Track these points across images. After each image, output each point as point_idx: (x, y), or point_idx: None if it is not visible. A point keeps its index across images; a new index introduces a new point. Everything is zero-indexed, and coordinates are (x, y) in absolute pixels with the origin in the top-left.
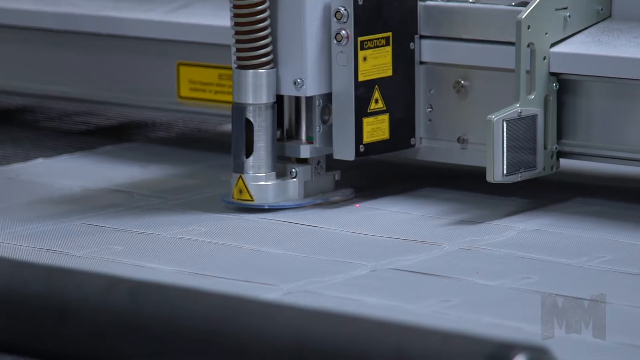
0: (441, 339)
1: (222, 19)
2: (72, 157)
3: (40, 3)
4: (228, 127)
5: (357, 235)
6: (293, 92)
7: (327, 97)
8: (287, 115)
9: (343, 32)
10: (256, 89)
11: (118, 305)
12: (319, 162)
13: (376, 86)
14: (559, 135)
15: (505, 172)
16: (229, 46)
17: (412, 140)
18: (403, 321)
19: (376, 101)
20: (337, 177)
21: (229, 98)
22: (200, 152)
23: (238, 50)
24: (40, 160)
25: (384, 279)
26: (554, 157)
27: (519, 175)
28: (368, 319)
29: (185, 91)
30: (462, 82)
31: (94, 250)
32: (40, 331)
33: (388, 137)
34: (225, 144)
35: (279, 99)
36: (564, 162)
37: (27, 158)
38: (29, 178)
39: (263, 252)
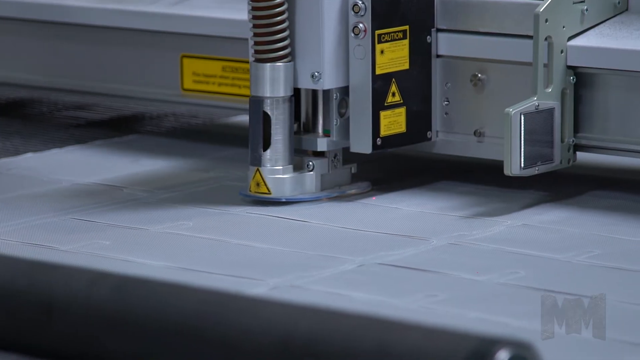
0: (425, 334)
1: (226, 11)
2: (61, 151)
3: None
4: (232, 119)
5: (345, 230)
6: (310, 85)
7: (344, 90)
8: (304, 108)
9: (360, 25)
10: (274, 82)
11: (103, 300)
12: (335, 155)
13: (393, 79)
14: (576, 129)
15: (522, 165)
16: (232, 38)
17: (429, 134)
18: (388, 316)
19: (393, 94)
20: (353, 170)
21: (232, 90)
22: (194, 146)
23: (256, 43)
24: (29, 155)
25: (371, 273)
26: (571, 150)
27: (536, 168)
28: (353, 314)
29: (188, 83)
30: (479, 75)
31: (81, 245)
32: (25, 326)
33: (405, 131)
34: (220, 136)
35: (296, 92)
36: (581, 155)
37: (16, 152)
38: (18, 172)
39: (251, 247)
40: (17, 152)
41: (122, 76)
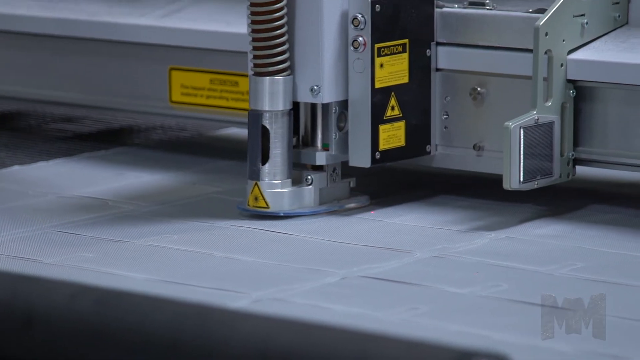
0: (404, 347)
1: (214, 24)
2: (48, 164)
3: (34, 8)
4: (220, 132)
5: (329, 243)
6: (309, 99)
7: (344, 104)
8: (302, 122)
9: (360, 38)
10: (273, 96)
11: (83, 313)
12: (334, 169)
13: (392, 93)
14: (576, 142)
15: (521, 179)
16: (220, 51)
17: (428, 148)
18: (366, 329)
19: (392, 108)
20: (352, 185)
21: (220, 103)
22: (182, 159)
23: (255, 57)
24: (16, 167)
25: (353, 286)
26: (570, 164)
27: (536, 182)
28: (332, 327)
29: (177, 96)
30: (479, 89)
31: (65, 258)
32: (5, 339)
33: (404, 144)
34: (209, 149)
35: (295, 105)
36: (580, 169)
37: (3, 165)
38: (4, 185)
39: (235, 260)
40: (3, 165)
41: (110, 88)
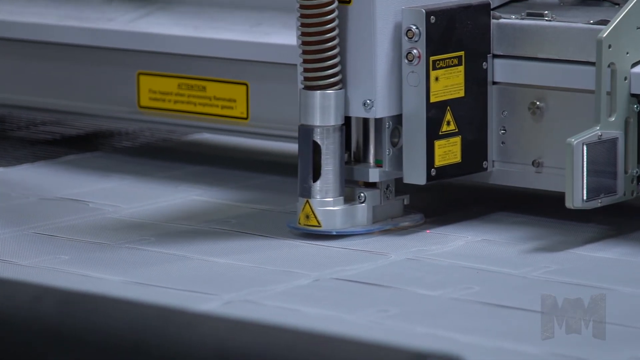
0: (357, 348)
1: (182, 29)
2: (33, 166)
3: (2, 13)
4: (191, 137)
5: (305, 245)
6: (362, 114)
7: (397, 119)
8: (355, 137)
9: (414, 51)
10: (324, 111)
11: (46, 315)
12: (388, 187)
13: (448, 107)
14: None
15: (585, 197)
16: (188, 56)
17: (485, 164)
18: (323, 331)
19: (448, 123)
20: (406, 202)
21: (187, 108)
22: (154, 164)
23: (305, 70)
24: (0, 169)
25: (325, 288)
26: (635, 182)
27: (599, 200)
28: (287, 329)
29: (145, 101)
30: (538, 103)
31: (41, 260)
32: None
33: (460, 160)
34: (182, 153)
35: (347, 120)
36: None
37: None
38: None
39: (210, 262)
40: None
41: (78, 93)
